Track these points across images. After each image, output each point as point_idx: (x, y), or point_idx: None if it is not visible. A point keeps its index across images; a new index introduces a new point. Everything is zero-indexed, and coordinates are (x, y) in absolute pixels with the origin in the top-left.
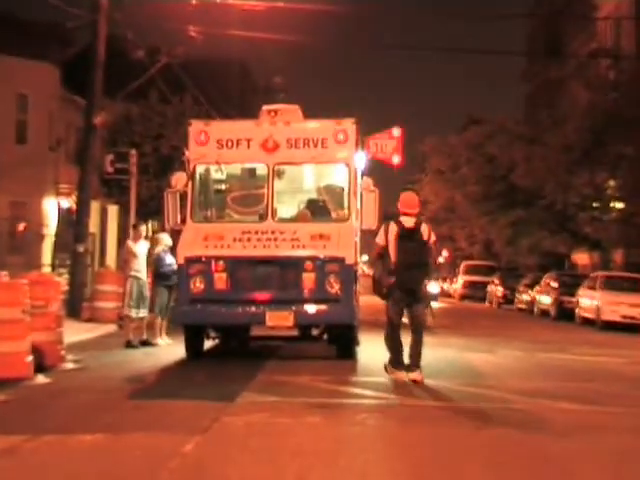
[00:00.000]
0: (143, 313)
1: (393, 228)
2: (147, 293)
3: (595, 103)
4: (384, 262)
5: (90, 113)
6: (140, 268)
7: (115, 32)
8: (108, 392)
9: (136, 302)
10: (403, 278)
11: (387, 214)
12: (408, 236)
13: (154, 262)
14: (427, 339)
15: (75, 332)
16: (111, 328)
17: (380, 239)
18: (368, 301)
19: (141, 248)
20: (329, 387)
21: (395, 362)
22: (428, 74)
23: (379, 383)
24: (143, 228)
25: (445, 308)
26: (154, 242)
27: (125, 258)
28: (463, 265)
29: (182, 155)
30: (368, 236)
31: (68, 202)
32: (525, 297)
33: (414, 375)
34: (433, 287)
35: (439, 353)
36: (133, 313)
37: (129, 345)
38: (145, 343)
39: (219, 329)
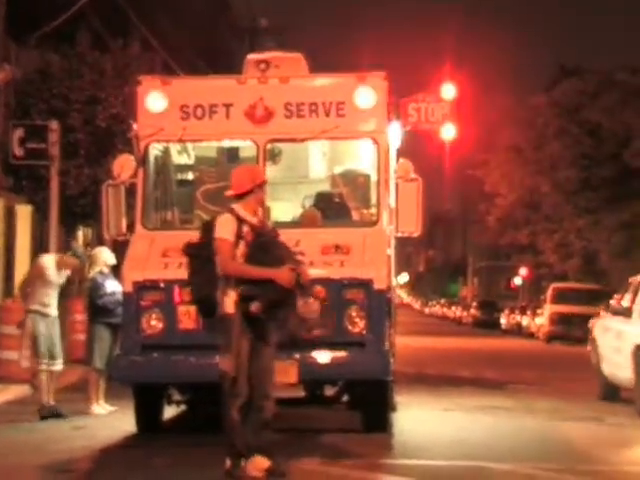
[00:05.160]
0: (58, 365)
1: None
2: (58, 336)
3: None
4: None
5: None
6: (49, 300)
7: None
8: None
9: (47, 348)
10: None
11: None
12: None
13: (89, 290)
14: (502, 402)
15: None
16: (21, 390)
17: None
18: (407, 343)
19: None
20: (351, 475)
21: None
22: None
23: (427, 468)
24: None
25: (524, 353)
26: (88, 261)
27: (29, 280)
28: (552, 289)
29: (128, 130)
30: (407, 246)
31: None
32: None
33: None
34: None
35: (518, 423)
36: (44, 366)
37: (48, 414)
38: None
39: (186, 389)
